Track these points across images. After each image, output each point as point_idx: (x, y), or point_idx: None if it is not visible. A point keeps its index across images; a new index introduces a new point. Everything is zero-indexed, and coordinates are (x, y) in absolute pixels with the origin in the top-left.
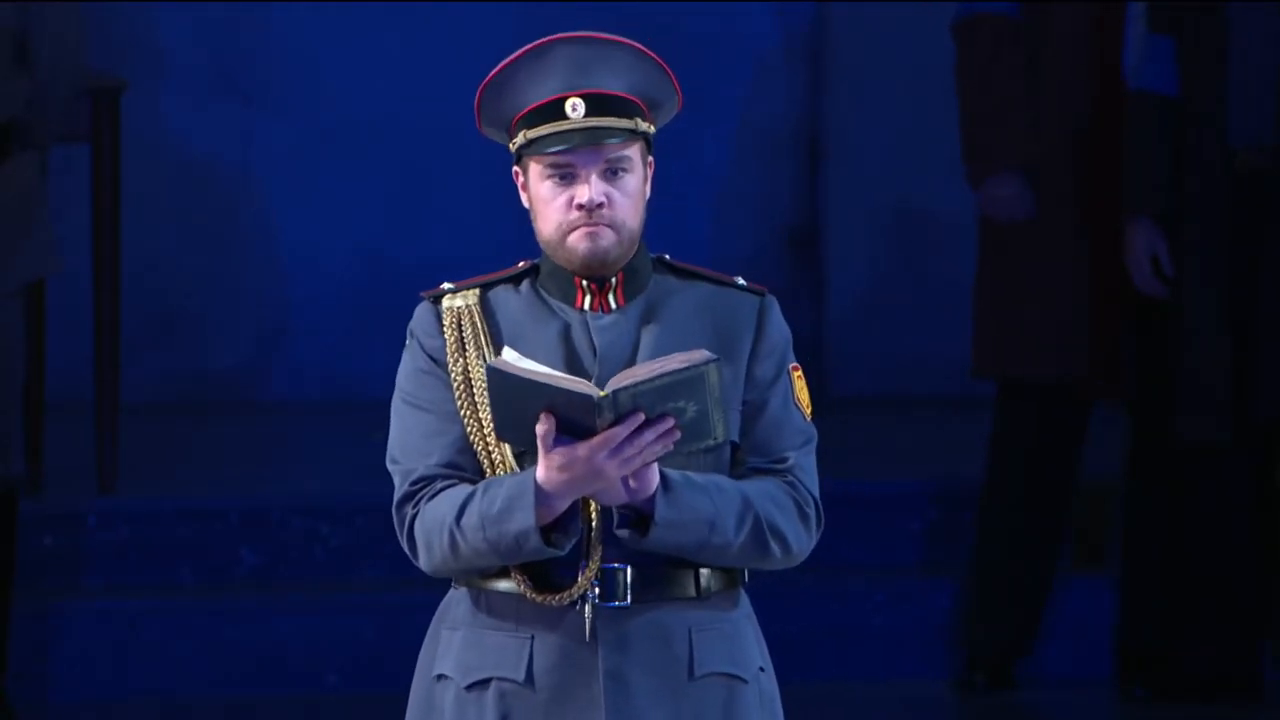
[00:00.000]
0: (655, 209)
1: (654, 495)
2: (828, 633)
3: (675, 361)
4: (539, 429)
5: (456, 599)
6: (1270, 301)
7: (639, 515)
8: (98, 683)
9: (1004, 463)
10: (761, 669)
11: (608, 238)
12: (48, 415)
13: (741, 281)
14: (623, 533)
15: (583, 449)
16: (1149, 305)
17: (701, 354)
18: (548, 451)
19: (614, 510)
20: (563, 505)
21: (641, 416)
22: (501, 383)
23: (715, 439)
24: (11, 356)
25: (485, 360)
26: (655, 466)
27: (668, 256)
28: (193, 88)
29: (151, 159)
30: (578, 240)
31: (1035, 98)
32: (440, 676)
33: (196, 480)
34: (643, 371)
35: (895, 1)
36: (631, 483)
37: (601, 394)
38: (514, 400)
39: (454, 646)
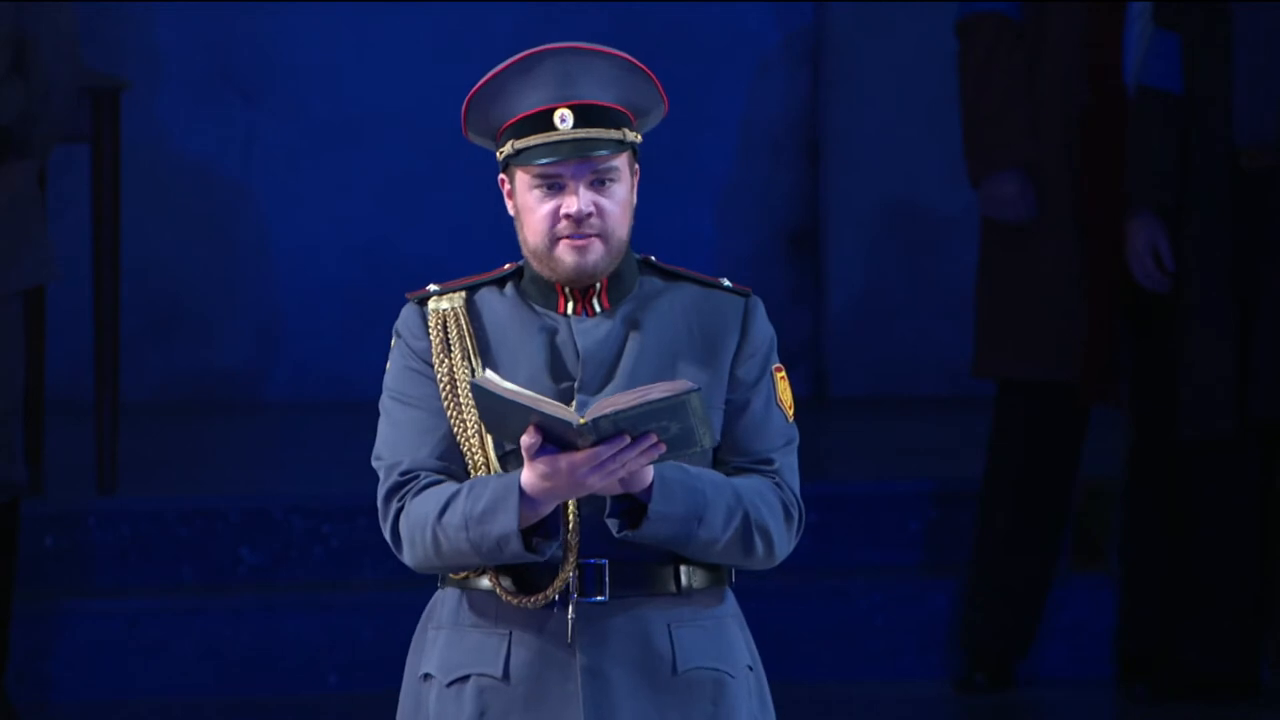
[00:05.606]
0: (656, 209)
1: (649, 487)
2: (828, 633)
3: (657, 391)
4: (524, 440)
5: (442, 599)
6: (1272, 300)
7: (631, 504)
8: (98, 683)
9: (1003, 463)
10: (750, 667)
11: (596, 251)
12: (48, 415)
13: (727, 283)
14: (612, 522)
15: (564, 462)
16: (1147, 305)
17: (683, 384)
18: (532, 460)
19: (606, 500)
20: (547, 509)
21: (626, 439)
22: (486, 399)
23: (701, 447)
24: (11, 362)
25: (470, 364)
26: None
27: (654, 258)
28: (193, 88)
29: (151, 159)
30: (565, 253)
31: (1035, 97)
32: (426, 676)
33: (196, 480)
34: (624, 400)
35: (895, 1)
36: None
37: (581, 421)
38: (499, 414)
39: (438, 646)
